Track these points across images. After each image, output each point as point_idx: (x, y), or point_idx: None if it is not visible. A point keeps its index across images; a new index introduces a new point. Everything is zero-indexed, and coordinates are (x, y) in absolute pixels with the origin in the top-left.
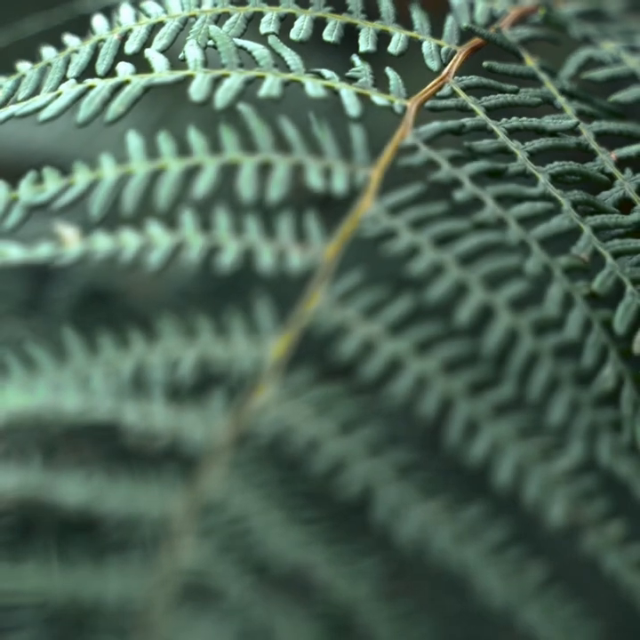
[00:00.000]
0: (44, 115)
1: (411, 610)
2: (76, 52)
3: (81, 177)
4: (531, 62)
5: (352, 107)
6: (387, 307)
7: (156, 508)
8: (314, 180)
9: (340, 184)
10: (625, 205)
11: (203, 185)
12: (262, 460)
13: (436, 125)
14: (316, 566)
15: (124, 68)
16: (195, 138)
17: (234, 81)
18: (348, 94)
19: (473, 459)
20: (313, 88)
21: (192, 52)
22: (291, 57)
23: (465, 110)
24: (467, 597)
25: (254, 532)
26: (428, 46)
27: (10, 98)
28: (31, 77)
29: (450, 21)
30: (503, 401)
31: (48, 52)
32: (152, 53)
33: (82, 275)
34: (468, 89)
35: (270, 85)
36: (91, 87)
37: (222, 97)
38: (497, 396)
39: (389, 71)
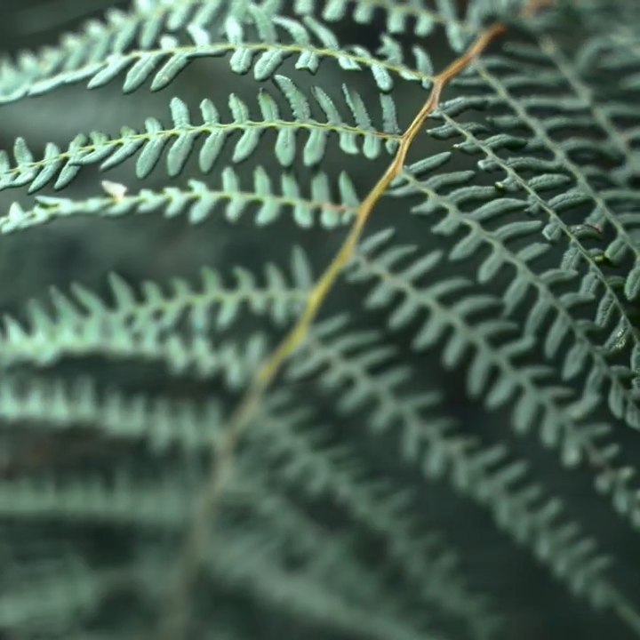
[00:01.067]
0: (93, 82)
1: (437, 542)
2: (120, 30)
3: (127, 139)
4: (549, 48)
5: (383, 80)
6: (413, 262)
7: (199, 437)
8: (347, 146)
9: (371, 151)
10: (636, 182)
11: (243, 149)
12: (296, 399)
13: (461, 100)
14: (340, 487)
15: (168, 42)
16: (234, 105)
17: (272, 54)
18: (378, 69)
19: (494, 403)
20: (346, 62)
21: (232, 28)
22: (325, 34)
23: (487, 89)
24: (489, 528)
25: (286, 459)
26: (453, 29)
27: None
28: (77, 52)
29: (474, 9)
30: (522, 352)
31: (94, 29)
32: (194, 28)
33: (110, 259)
34: (490, 69)
35: (306, 59)
36: (136, 58)
37: (260, 68)
38: (516, 348)
39: (418, 51)
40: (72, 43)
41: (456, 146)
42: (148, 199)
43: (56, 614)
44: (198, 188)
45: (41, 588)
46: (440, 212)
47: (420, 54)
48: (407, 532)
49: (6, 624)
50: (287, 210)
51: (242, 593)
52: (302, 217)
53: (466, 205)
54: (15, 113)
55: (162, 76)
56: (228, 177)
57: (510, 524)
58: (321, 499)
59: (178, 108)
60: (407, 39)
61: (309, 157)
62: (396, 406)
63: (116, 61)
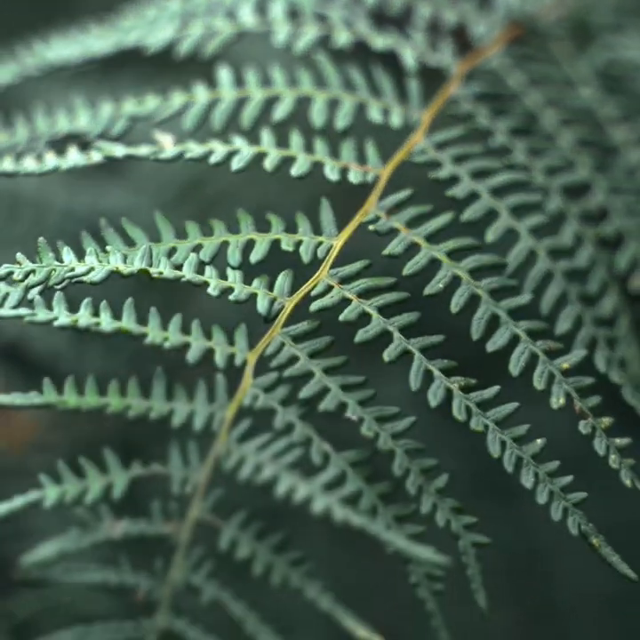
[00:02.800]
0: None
1: (432, 464)
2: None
3: (177, 98)
4: (563, 50)
5: (409, 60)
6: (428, 219)
7: (228, 354)
8: (374, 115)
9: (396, 120)
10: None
11: (281, 110)
12: (315, 329)
13: (479, 86)
14: (348, 407)
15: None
16: (277, 73)
17: (311, 33)
18: (407, 55)
19: (492, 348)
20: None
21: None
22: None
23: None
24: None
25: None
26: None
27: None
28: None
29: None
30: (520, 306)
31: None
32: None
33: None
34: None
35: (342, 39)
36: None
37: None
38: (515, 302)
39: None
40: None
41: (471, 126)
42: (194, 148)
43: (88, 495)
44: (239, 142)
45: (78, 475)
46: (454, 179)
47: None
48: (405, 452)
49: (43, 501)
50: (317, 167)
51: (265, 490)
52: (331, 173)
53: (478, 175)
54: None
55: None
56: (266, 134)
57: (500, 455)
58: (330, 418)
59: (224, 75)
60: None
61: (342, 123)
62: (403, 343)
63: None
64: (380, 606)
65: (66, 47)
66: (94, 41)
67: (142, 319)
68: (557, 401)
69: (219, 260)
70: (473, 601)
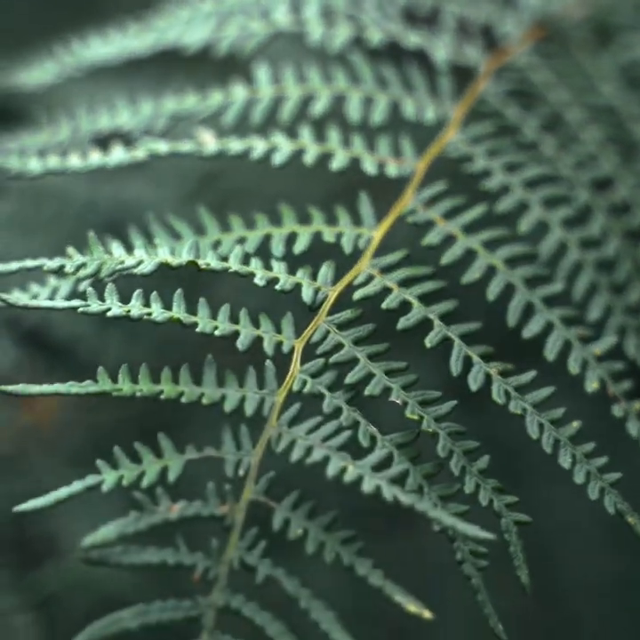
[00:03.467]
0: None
1: (474, 446)
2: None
3: (216, 97)
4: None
5: (441, 55)
6: (463, 211)
7: (277, 341)
8: (409, 110)
9: (430, 115)
10: None
11: (319, 106)
12: (358, 317)
13: (507, 83)
14: (392, 392)
15: None
16: (313, 73)
17: (344, 33)
18: (438, 53)
19: (528, 335)
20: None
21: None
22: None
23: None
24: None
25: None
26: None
27: None
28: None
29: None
30: (553, 295)
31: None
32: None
33: None
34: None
35: (375, 39)
36: None
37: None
38: (548, 291)
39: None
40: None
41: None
42: (236, 145)
43: (144, 479)
44: (279, 138)
45: (136, 461)
46: (487, 173)
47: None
48: (449, 433)
49: (101, 485)
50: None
51: (315, 471)
52: (370, 167)
53: (510, 169)
54: None
55: None
56: (305, 130)
57: (539, 437)
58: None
59: (262, 74)
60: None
61: (378, 118)
62: (443, 330)
63: None
64: None
65: (104, 46)
66: (131, 40)
67: (168, 307)
68: (591, 385)
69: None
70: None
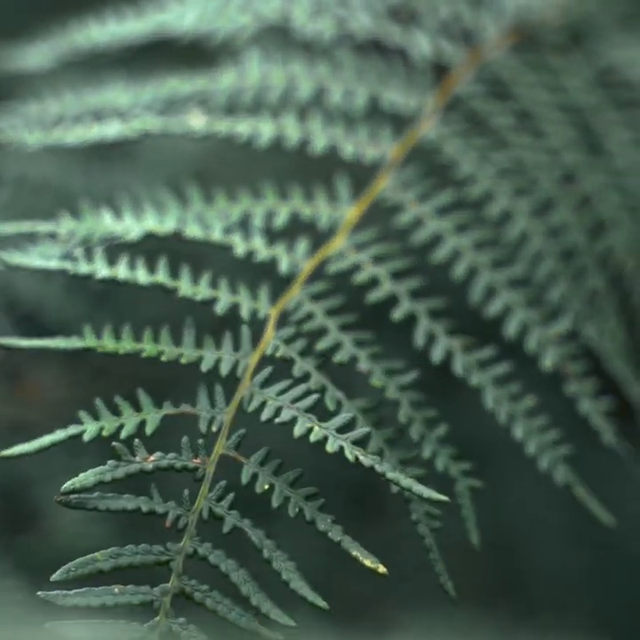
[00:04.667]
0: None
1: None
2: None
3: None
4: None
5: (420, 52)
6: (435, 195)
7: (253, 308)
8: (393, 97)
9: (410, 103)
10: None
11: (303, 94)
12: (331, 289)
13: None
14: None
15: None
16: (298, 68)
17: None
18: (419, 52)
19: (489, 314)
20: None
21: None
22: None
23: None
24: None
25: (319, 331)
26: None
27: None
28: None
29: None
30: (516, 277)
31: None
32: None
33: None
34: None
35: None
36: None
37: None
38: (511, 273)
39: None
40: None
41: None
42: (224, 127)
43: (123, 431)
44: (263, 124)
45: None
46: (455, 163)
47: None
48: (410, 402)
49: (83, 435)
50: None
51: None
52: (348, 151)
53: (480, 160)
54: None
55: None
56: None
57: (494, 409)
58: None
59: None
60: None
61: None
62: (410, 305)
63: None
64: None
65: (102, 33)
66: (130, 27)
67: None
68: (548, 363)
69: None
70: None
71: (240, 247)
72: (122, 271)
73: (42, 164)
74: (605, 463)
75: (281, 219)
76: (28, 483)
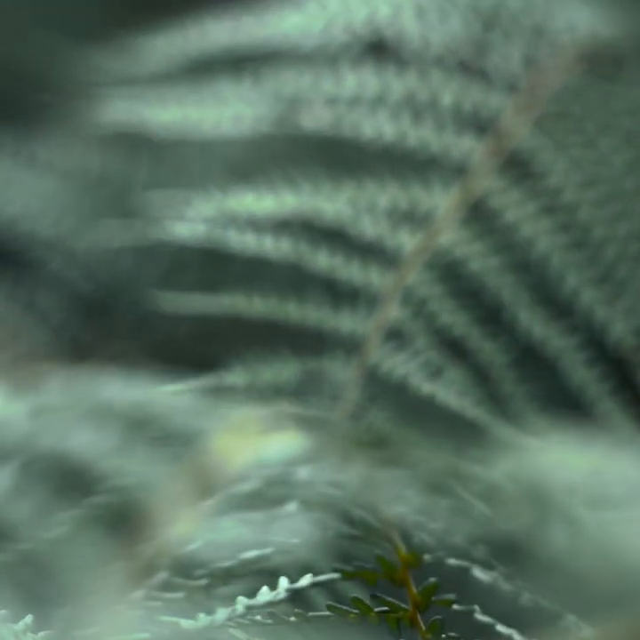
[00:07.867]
0: None
1: None
2: None
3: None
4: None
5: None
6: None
7: (373, 281)
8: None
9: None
10: None
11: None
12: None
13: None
14: None
15: None
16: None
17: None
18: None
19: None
20: None
21: None
22: None
23: None
24: None
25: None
26: None
27: None
28: None
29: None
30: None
31: None
32: None
33: None
34: None
35: None
36: None
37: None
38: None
39: None
40: None
41: None
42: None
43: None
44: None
45: (254, 368)
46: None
47: None
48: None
49: (235, 384)
50: None
51: (399, 387)
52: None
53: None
54: None
55: None
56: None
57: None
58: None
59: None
60: None
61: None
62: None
63: None
64: None
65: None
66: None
67: None
68: None
69: None
70: None
71: (355, 228)
72: (269, 246)
73: (93, 156)
74: None
75: (402, 205)
76: None
